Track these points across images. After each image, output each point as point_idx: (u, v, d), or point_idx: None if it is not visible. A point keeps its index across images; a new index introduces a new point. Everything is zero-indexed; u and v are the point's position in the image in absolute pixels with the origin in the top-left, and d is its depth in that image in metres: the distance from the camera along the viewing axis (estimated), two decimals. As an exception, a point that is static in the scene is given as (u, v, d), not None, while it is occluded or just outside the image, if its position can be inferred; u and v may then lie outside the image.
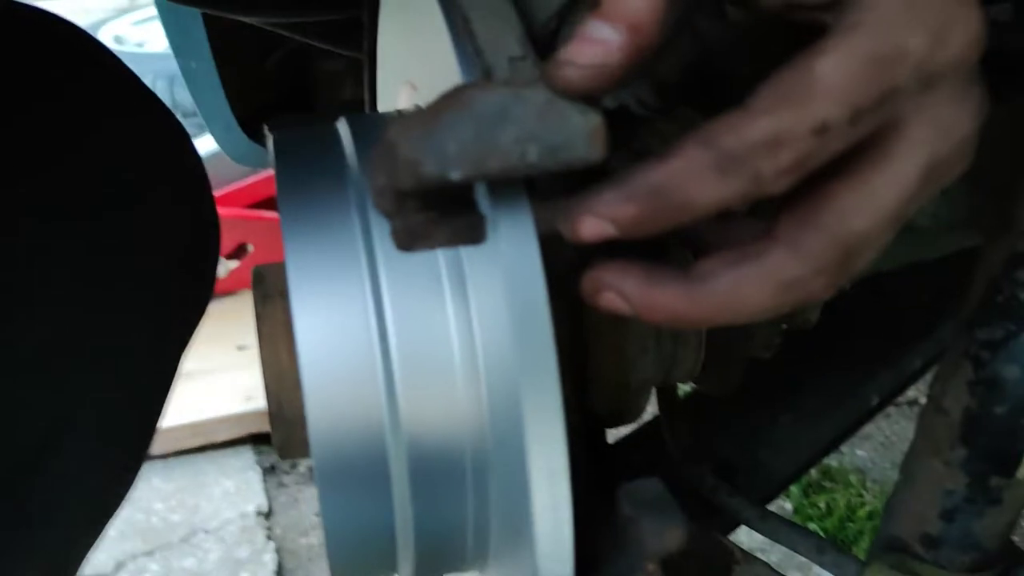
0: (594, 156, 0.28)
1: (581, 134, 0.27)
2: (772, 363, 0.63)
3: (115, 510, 0.53)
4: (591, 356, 0.43)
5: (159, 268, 0.50)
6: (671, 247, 0.38)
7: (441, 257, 0.36)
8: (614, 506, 0.37)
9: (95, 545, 0.52)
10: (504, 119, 0.27)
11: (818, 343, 0.65)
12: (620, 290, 0.30)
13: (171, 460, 1.64)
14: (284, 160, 0.42)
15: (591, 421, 0.46)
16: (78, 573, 0.52)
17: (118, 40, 2.50)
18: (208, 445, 1.66)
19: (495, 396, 0.35)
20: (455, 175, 0.27)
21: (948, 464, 0.41)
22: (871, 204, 0.28)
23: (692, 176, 0.27)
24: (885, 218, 0.28)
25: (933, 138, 0.28)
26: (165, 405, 0.55)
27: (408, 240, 0.29)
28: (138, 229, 0.49)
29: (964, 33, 0.28)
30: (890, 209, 0.28)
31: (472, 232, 0.29)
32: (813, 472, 1.46)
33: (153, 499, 1.55)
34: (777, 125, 0.26)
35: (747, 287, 0.28)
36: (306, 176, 0.41)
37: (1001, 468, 0.40)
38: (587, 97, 0.28)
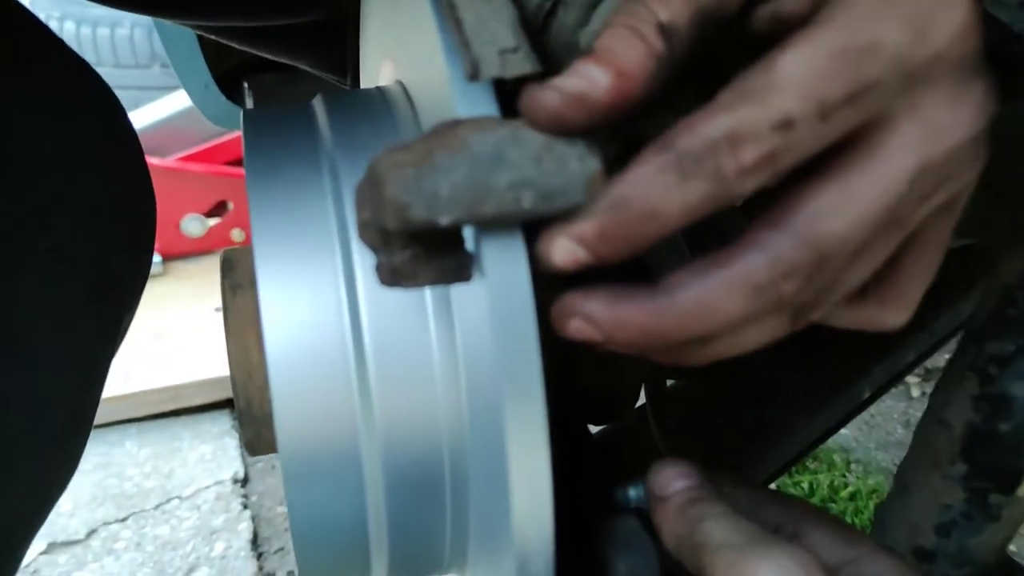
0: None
1: (578, 181, 0.26)
2: (764, 356, 0.61)
3: (59, 493, 0.51)
4: (578, 355, 0.41)
5: (83, 236, 0.48)
6: None
7: None
8: (591, 541, 0.36)
9: (41, 525, 0.50)
10: (499, 162, 0.26)
11: (811, 337, 0.63)
12: (587, 313, 0.29)
13: (146, 424, 1.62)
14: (255, 140, 0.40)
15: (577, 422, 0.44)
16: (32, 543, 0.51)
17: (96, -12, 2.44)
18: (184, 409, 1.65)
19: (475, 400, 0.34)
20: (445, 220, 0.26)
21: (947, 478, 0.40)
22: (848, 205, 0.27)
23: (652, 181, 0.26)
24: (865, 221, 0.27)
25: (923, 138, 0.27)
26: (102, 383, 0.52)
27: (392, 278, 0.28)
28: (53, 194, 0.46)
29: (948, 25, 0.27)
30: (871, 211, 0.27)
31: (459, 271, 0.28)
32: (796, 452, 1.47)
33: (127, 464, 1.53)
34: (736, 121, 0.26)
35: (714, 294, 0.27)
36: (278, 159, 0.39)
37: (1002, 485, 0.39)
38: (587, 139, 0.27)
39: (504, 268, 0.28)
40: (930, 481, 0.41)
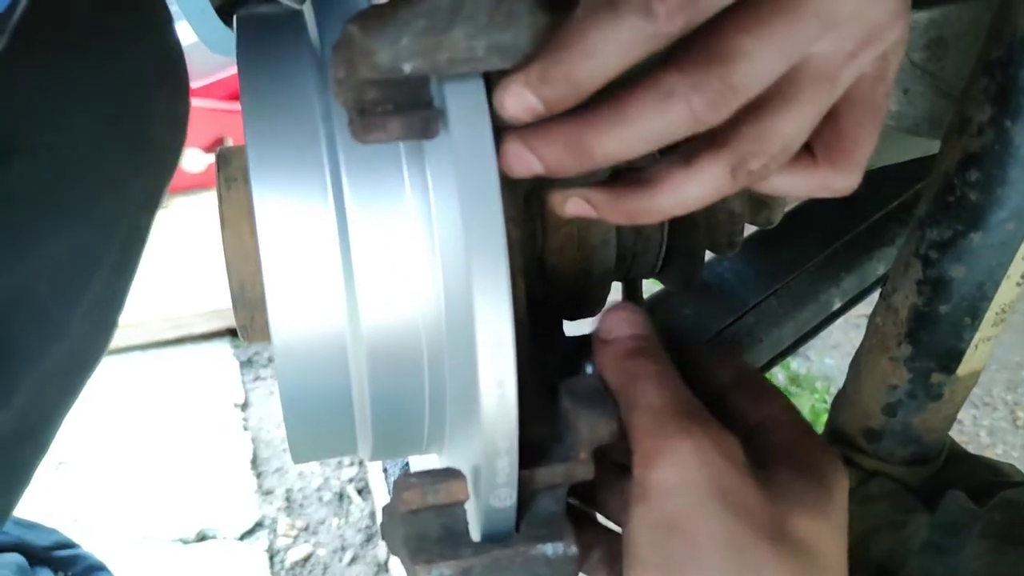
0: None
1: (527, 33, 0.29)
2: (736, 264, 0.64)
3: (93, 364, 0.54)
4: (550, 247, 0.43)
5: (126, 103, 0.50)
6: None
7: (402, 145, 0.36)
8: (556, 399, 0.38)
9: (76, 397, 0.53)
10: (456, 15, 0.29)
11: (782, 246, 0.65)
12: (520, 135, 0.31)
13: (148, 351, 1.65)
14: (246, 42, 0.41)
15: (549, 313, 0.46)
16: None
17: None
18: (186, 337, 1.67)
19: (449, 281, 0.36)
20: (407, 67, 0.29)
21: (893, 360, 0.43)
22: (757, 28, 0.29)
23: (587, 21, 0.28)
24: (773, 45, 0.29)
25: None
26: (140, 252, 0.55)
27: (364, 132, 0.30)
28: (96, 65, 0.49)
29: None
30: (780, 39, 0.29)
31: (426, 126, 0.30)
32: (781, 377, 1.49)
33: (130, 390, 1.57)
34: None
35: (629, 100, 0.30)
36: (268, 59, 0.40)
37: (943, 365, 0.42)
38: None
39: (468, 121, 0.31)
40: (879, 364, 0.44)
